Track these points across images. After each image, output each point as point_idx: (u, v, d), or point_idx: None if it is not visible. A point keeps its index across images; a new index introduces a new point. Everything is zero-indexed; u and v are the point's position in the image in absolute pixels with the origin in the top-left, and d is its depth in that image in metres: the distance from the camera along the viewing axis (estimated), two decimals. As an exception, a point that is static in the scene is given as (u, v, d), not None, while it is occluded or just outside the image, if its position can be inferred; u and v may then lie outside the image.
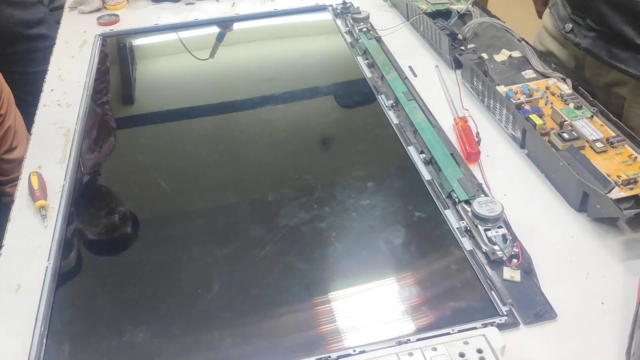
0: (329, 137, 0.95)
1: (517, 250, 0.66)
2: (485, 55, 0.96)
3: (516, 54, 0.96)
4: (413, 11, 1.15)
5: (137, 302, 0.67)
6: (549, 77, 0.90)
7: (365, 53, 1.09)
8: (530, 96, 0.85)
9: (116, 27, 1.26)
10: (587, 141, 0.77)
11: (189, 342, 0.62)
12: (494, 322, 0.60)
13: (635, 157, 0.73)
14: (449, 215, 0.74)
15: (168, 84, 1.11)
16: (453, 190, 0.75)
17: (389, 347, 0.58)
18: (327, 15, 1.27)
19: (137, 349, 0.61)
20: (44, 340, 0.62)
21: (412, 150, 0.85)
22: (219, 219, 0.78)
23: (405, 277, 0.67)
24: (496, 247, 0.66)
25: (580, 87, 0.86)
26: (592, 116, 0.81)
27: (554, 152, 0.75)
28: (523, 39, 1.00)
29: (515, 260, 0.66)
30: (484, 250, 0.68)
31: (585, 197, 0.72)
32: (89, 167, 0.88)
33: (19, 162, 1.05)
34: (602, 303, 0.63)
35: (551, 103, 0.84)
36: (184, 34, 1.24)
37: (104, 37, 1.22)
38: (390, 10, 1.26)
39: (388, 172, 0.85)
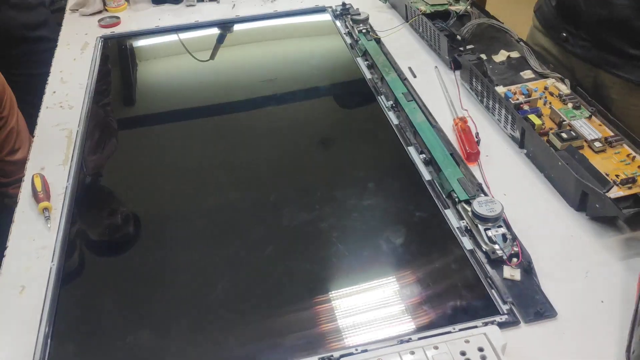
0: (329, 138, 0.95)
1: (517, 249, 0.67)
2: (484, 56, 0.96)
3: (515, 54, 0.96)
4: (412, 12, 1.15)
5: (140, 303, 0.67)
6: (547, 77, 0.90)
7: (365, 54, 1.10)
8: (529, 96, 0.86)
9: (117, 29, 1.27)
10: (586, 141, 0.77)
11: (193, 342, 0.62)
12: (495, 320, 0.61)
13: (634, 157, 0.74)
14: (449, 215, 0.74)
15: (169, 86, 1.12)
16: (453, 190, 0.75)
17: (391, 345, 0.58)
18: (326, 17, 1.28)
19: (140, 349, 0.62)
20: (48, 341, 0.63)
21: (412, 151, 0.86)
22: (221, 219, 0.79)
23: (406, 276, 0.68)
24: (496, 246, 0.67)
25: (578, 87, 0.87)
26: (590, 116, 0.81)
27: (553, 152, 0.76)
28: (521, 40, 1.00)
29: (515, 259, 0.66)
30: (484, 250, 0.68)
31: (584, 196, 0.72)
32: (91, 169, 0.88)
33: (21, 163, 1.05)
34: (602, 301, 0.63)
35: (550, 103, 0.85)
36: (185, 36, 1.25)
37: (105, 39, 1.23)
38: (390, 12, 1.27)
39: (388, 172, 0.85)
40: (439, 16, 1.10)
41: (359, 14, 1.18)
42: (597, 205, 0.70)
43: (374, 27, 1.16)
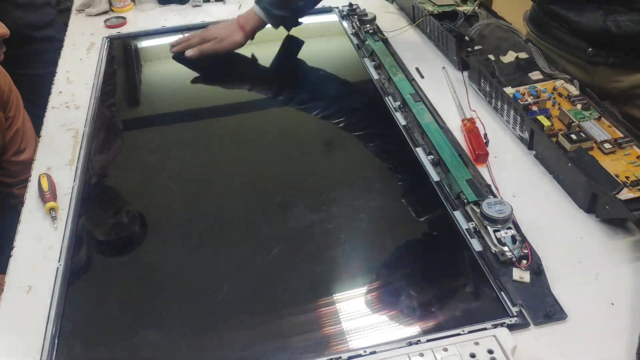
0: (336, 139, 0.95)
1: (526, 251, 0.67)
2: (492, 57, 0.96)
3: (523, 55, 0.96)
4: (419, 13, 1.15)
5: (147, 303, 0.67)
6: (556, 78, 0.90)
7: (372, 55, 1.09)
8: (538, 97, 0.85)
9: (123, 30, 1.27)
10: (595, 142, 0.77)
11: (199, 343, 0.62)
12: (504, 322, 0.60)
13: (644, 158, 0.74)
14: (458, 216, 0.74)
15: (175, 86, 1.12)
16: (462, 192, 0.75)
17: (400, 347, 0.58)
18: (333, 17, 1.28)
19: (147, 349, 0.62)
20: (55, 341, 0.62)
21: (420, 152, 0.86)
22: (227, 220, 0.79)
23: (415, 278, 0.68)
24: (505, 248, 0.67)
25: (587, 88, 0.86)
26: (599, 117, 0.81)
27: (562, 154, 0.76)
28: (530, 40, 1.00)
29: (524, 261, 0.66)
30: (493, 251, 0.68)
31: (594, 198, 0.72)
32: (97, 169, 0.88)
33: (27, 164, 1.05)
34: (612, 304, 0.63)
35: (559, 104, 0.84)
36: (191, 36, 1.24)
37: (111, 40, 1.23)
38: (397, 12, 1.26)
39: (396, 173, 0.85)
40: (447, 17, 1.10)
41: (366, 15, 1.18)
42: (607, 207, 0.70)
43: (381, 27, 1.16)
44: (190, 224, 0.78)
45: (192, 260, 0.72)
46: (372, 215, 0.77)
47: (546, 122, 0.80)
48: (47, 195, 0.79)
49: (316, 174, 0.85)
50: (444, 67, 1.04)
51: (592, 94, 0.85)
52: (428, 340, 0.59)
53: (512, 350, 0.56)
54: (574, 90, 0.86)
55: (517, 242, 0.67)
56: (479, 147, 0.82)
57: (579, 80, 0.89)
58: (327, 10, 1.29)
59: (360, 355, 0.59)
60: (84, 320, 0.65)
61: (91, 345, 0.63)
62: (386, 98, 0.99)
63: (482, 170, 0.80)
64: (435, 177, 0.81)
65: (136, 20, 1.30)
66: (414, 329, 0.61)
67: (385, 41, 1.11)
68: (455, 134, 0.87)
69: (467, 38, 1.01)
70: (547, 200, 0.76)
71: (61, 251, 0.73)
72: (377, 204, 0.79)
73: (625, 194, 0.69)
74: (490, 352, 0.55)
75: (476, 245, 0.70)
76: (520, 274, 0.65)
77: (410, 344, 0.59)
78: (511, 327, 0.60)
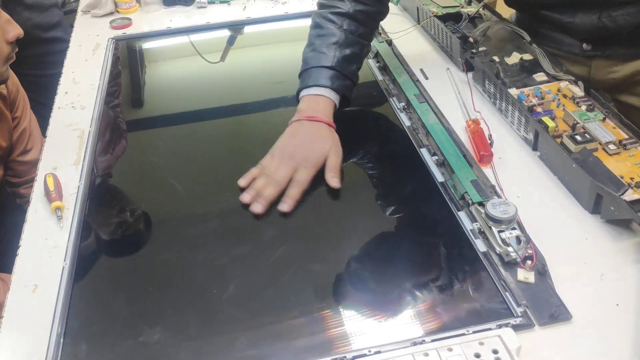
0: (340, 140, 0.95)
1: (531, 251, 0.66)
2: (496, 58, 0.96)
3: (527, 56, 0.96)
4: (424, 14, 1.15)
5: (152, 302, 0.67)
6: (560, 79, 0.90)
7: (377, 56, 1.10)
8: (542, 99, 0.85)
9: (129, 31, 1.27)
10: (600, 143, 0.77)
11: (204, 342, 0.62)
12: (509, 323, 0.60)
13: (649, 159, 0.74)
14: (463, 217, 0.74)
15: (180, 87, 1.12)
16: (466, 192, 0.75)
17: (405, 347, 0.58)
18: (337, 19, 1.27)
19: (152, 348, 0.62)
20: (61, 340, 0.63)
21: (424, 152, 0.86)
22: (233, 219, 0.79)
23: (420, 278, 0.68)
24: (510, 249, 0.67)
25: (592, 90, 0.86)
26: (604, 118, 0.81)
27: (567, 155, 0.76)
28: (534, 42, 1.00)
29: (529, 262, 0.66)
30: (497, 252, 0.68)
31: (599, 199, 0.72)
32: (102, 169, 0.89)
33: (33, 164, 1.06)
34: (617, 305, 0.63)
35: (563, 105, 0.84)
36: (196, 37, 1.25)
37: (117, 41, 1.24)
38: (401, 14, 1.26)
39: (400, 174, 0.85)
40: (451, 18, 1.10)
41: (370, 16, 1.18)
42: (612, 208, 0.70)
43: (385, 29, 1.16)
44: (195, 223, 0.78)
45: (198, 260, 0.72)
46: (376, 215, 0.77)
47: (551, 123, 0.80)
48: (53, 194, 0.80)
49: (320, 174, 0.85)
50: (448, 69, 1.04)
51: (597, 95, 0.85)
52: (433, 340, 0.59)
53: (517, 350, 0.56)
54: (578, 91, 0.86)
55: (522, 242, 0.67)
56: (484, 148, 0.83)
57: (575, 74, 0.89)
58: (332, 11, 1.29)
59: (365, 355, 0.59)
60: (90, 319, 0.66)
61: (97, 344, 0.63)
62: (391, 99, 0.99)
63: (487, 171, 0.80)
64: (439, 177, 0.81)
65: (141, 22, 1.31)
66: (418, 329, 0.61)
67: (390, 42, 1.12)
68: (460, 134, 0.87)
69: (471, 39, 1.01)
70: (552, 201, 0.76)
71: (67, 250, 0.73)
72: (381, 204, 0.79)
73: (630, 195, 0.69)
74: (495, 352, 0.55)
75: (481, 246, 0.70)
76: (525, 275, 0.65)
77: (414, 343, 0.59)
78: (516, 328, 0.60)
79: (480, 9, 1.10)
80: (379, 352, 0.58)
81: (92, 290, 0.70)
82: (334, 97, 0.87)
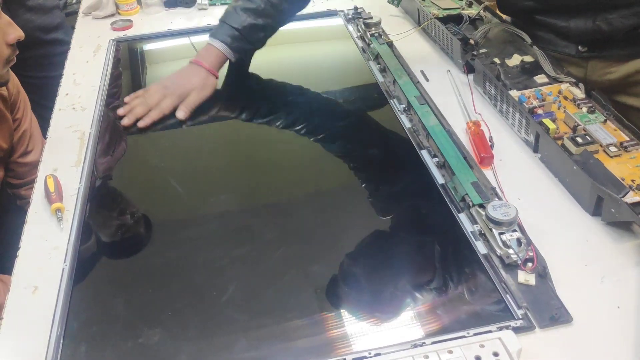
0: (341, 141, 0.95)
1: (531, 254, 0.66)
2: (497, 60, 0.96)
3: (528, 58, 0.96)
4: (425, 16, 1.15)
5: (152, 304, 0.67)
6: (561, 81, 0.90)
7: (377, 58, 1.10)
8: (543, 100, 0.85)
9: (130, 32, 1.28)
10: (601, 145, 0.76)
11: (204, 344, 0.62)
12: (510, 325, 0.60)
13: (650, 162, 0.73)
14: (463, 219, 0.74)
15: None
16: (467, 194, 0.75)
17: (405, 349, 0.58)
18: (338, 21, 1.28)
19: (152, 350, 0.62)
20: (61, 341, 0.63)
21: (425, 154, 0.86)
22: (233, 221, 0.79)
23: (420, 280, 0.67)
24: (511, 251, 0.66)
25: (593, 92, 0.86)
26: (605, 120, 0.81)
27: (568, 157, 0.75)
28: (534, 44, 1.00)
29: (530, 264, 0.66)
30: (498, 254, 0.68)
31: (600, 201, 0.72)
32: (102, 171, 0.89)
33: (33, 165, 1.06)
34: (618, 307, 0.62)
35: (564, 107, 0.84)
36: (197, 39, 1.25)
37: (118, 42, 1.24)
38: (402, 16, 1.26)
39: (401, 175, 0.85)
40: (452, 20, 1.10)
41: (371, 18, 1.18)
42: (613, 210, 0.69)
43: (386, 30, 1.16)
44: (195, 225, 0.78)
45: (197, 262, 0.72)
46: (377, 217, 0.77)
47: (551, 125, 0.80)
48: (54, 196, 0.80)
49: (321, 176, 0.85)
50: (449, 70, 1.04)
51: (598, 97, 0.85)
52: (433, 343, 0.59)
53: (518, 352, 0.56)
54: (579, 93, 0.86)
55: (523, 244, 0.67)
56: (484, 150, 0.82)
57: (572, 75, 0.89)
58: (333, 13, 1.30)
59: (365, 357, 0.58)
60: (89, 321, 0.65)
61: (96, 345, 0.63)
62: (391, 101, 0.99)
63: (487, 173, 0.80)
64: (440, 179, 0.81)
65: (142, 23, 1.31)
66: (418, 331, 0.61)
67: (391, 44, 1.12)
68: (461, 136, 0.87)
69: (472, 41, 1.01)
70: (553, 203, 0.76)
71: (67, 252, 0.73)
72: (382, 206, 0.79)
73: (631, 197, 0.69)
74: (496, 354, 0.55)
75: (481, 248, 0.69)
76: (526, 277, 0.65)
77: (415, 346, 0.59)
78: (516, 330, 0.59)
79: (481, 11, 1.10)
80: (379, 354, 0.58)
81: (92, 291, 0.70)
82: (228, 53, 1.01)
